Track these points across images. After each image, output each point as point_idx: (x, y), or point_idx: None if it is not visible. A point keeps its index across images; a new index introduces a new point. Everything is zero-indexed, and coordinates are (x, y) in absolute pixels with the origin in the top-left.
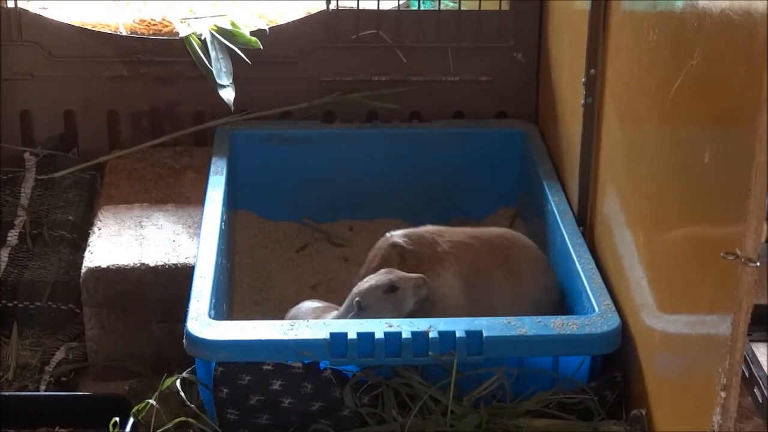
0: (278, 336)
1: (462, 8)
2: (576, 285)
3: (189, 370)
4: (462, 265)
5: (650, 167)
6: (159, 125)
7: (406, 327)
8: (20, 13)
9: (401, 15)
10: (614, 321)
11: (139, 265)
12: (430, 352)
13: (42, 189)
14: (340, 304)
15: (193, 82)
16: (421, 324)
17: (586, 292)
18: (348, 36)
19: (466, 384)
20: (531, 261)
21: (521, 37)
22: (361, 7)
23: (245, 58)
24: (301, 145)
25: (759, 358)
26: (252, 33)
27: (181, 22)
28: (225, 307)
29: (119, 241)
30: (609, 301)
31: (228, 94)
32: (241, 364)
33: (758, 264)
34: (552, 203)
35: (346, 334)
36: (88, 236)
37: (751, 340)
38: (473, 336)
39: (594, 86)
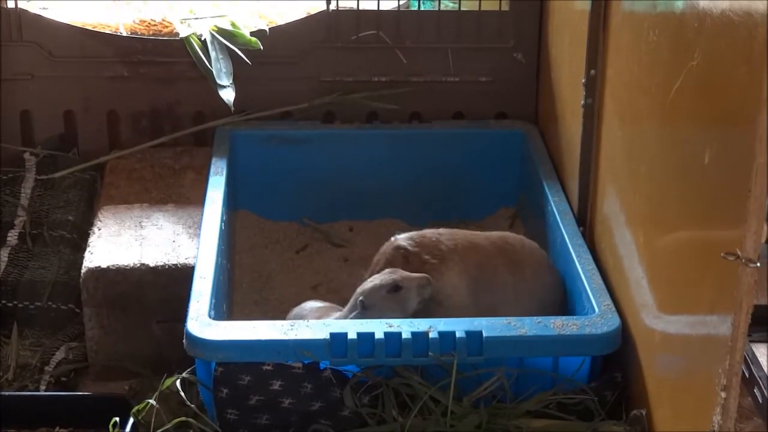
0: (278, 336)
1: (462, 9)
2: (576, 285)
3: (189, 370)
4: (466, 265)
5: (650, 168)
6: (159, 125)
7: (406, 327)
8: (20, 13)
9: (401, 15)
10: (614, 321)
11: (139, 265)
12: (430, 353)
13: (42, 189)
14: (341, 305)
15: (193, 83)
16: (421, 324)
17: (586, 292)
18: (348, 36)
19: (466, 384)
20: (534, 261)
21: (521, 38)
22: (361, 8)
23: (245, 58)
24: (301, 145)
25: (759, 359)
26: (252, 33)
27: (181, 22)
28: (225, 307)
29: (119, 242)
30: (609, 301)
31: (228, 95)
32: (241, 365)
33: (758, 264)
34: (552, 203)
35: (346, 334)
36: (88, 236)
37: (751, 341)
38: (473, 336)
39: (594, 87)
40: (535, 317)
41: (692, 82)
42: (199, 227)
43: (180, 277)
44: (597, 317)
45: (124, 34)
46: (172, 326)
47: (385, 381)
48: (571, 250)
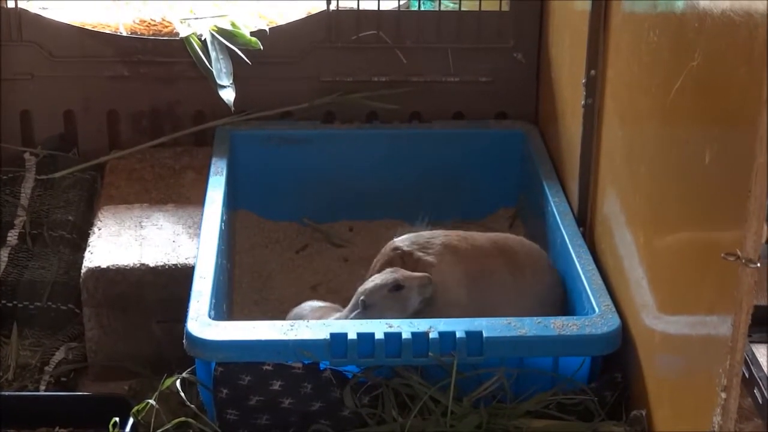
0: (278, 336)
1: (462, 9)
2: (576, 285)
3: (189, 370)
4: (462, 263)
5: (650, 168)
6: (159, 125)
7: (406, 327)
8: (20, 13)
9: (401, 15)
10: (614, 322)
11: (139, 265)
12: (430, 353)
13: (42, 189)
14: (341, 305)
15: (193, 83)
16: (421, 324)
17: (587, 292)
18: (348, 36)
19: (466, 384)
20: (534, 261)
21: (521, 38)
22: (361, 8)
23: (245, 58)
24: (301, 145)
25: (759, 359)
26: (252, 33)
27: (181, 22)
28: (225, 307)
29: (119, 242)
30: (609, 301)
31: (228, 95)
32: (241, 365)
33: (758, 265)
34: (552, 204)
35: (346, 334)
36: (88, 236)
37: (751, 341)
38: (473, 336)
39: (594, 87)
40: (535, 317)
41: (692, 82)
42: (199, 227)
43: (180, 277)
44: (597, 317)
45: (124, 33)
46: (172, 326)
47: (385, 381)
48: (571, 250)
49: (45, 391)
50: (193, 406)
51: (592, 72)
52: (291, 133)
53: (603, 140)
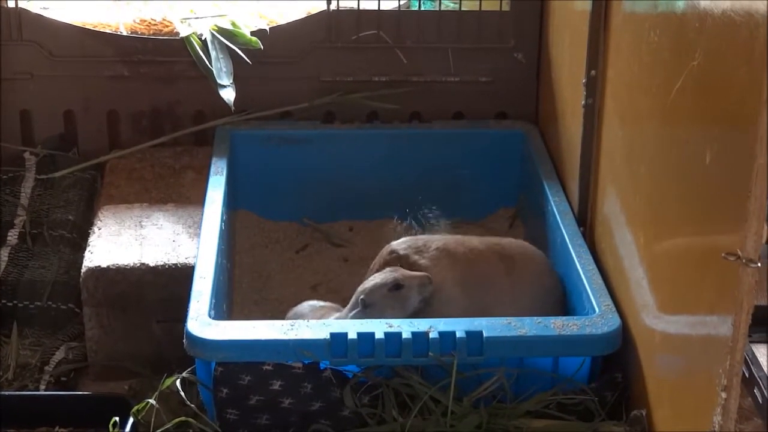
0: (278, 336)
1: (462, 9)
2: (576, 285)
3: (189, 370)
4: (456, 264)
5: (651, 168)
6: (159, 125)
7: (406, 327)
8: (20, 13)
9: (402, 15)
10: (614, 322)
11: (139, 265)
12: (430, 353)
13: (42, 189)
14: (341, 305)
15: (193, 82)
16: (421, 324)
17: (587, 292)
18: (348, 36)
19: (466, 384)
20: (531, 262)
21: (522, 38)
22: (361, 8)
23: (245, 58)
24: (301, 145)
25: (759, 359)
26: (252, 33)
27: (182, 22)
28: (225, 307)
29: (119, 241)
30: (609, 301)
31: (228, 94)
32: (241, 364)
33: (759, 265)
34: (552, 204)
35: (346, 334)
36: (88, 236)
37: (751, 341)
38: (473, 336)
39: (594, 87)
40: (536, 317)
41: (693, 82)
42: (199, 227)
43: (180, 276)
44: (597, 317)
45: (125, 33)
46: (172, 326)
47: (385, 381)
48: (572, 250)
49: (45, 390)
50: (193, 405)
51: (593, 72)
52: (291, 133)
53: (603, 140)
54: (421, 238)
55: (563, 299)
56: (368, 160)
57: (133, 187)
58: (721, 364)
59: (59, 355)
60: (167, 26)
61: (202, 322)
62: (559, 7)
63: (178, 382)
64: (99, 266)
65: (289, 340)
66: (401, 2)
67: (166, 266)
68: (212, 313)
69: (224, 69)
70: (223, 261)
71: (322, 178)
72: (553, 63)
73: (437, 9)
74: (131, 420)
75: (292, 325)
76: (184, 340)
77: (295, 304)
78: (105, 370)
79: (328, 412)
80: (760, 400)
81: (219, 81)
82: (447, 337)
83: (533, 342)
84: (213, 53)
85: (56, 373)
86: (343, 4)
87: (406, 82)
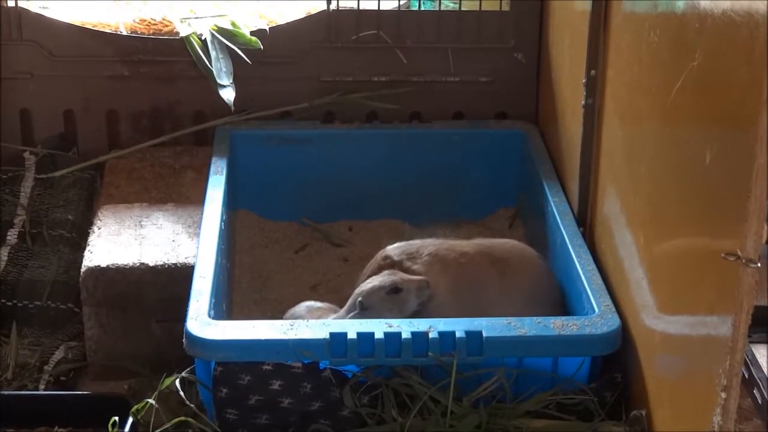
0: (278, 336)
1: (462, 9)
2: (576, 286)
3: (188, 369)
4: (452, 276)
5: (651, 168)
6: (159, 125)
7: (406, 327)
8: (20, 13)
9: (401, 15)
10: (614, 322)
11: (138, 264)
12: (429, 353)
13: (41, 188)
14: (340, 305)
15: (193, 82)
16: (421, 324)
17: (586, 292)
18: (348, 36)
19: (466, 384)
20: (525, 263)
21: (521, 38)
22: (361, 8)
23: (245, 58)
24: (301, 145)
25: (759, 360)
26: (252, 33)
27: (182, 21)
28: (224, 307)
29: (119, 241)
30: (609, 301)
31: (228, 94)
32: (240, 364)
33: (759, 265)
34: (552, 204)
35: (345, 334)
36: (88, 236)
37: (751, 342)
38: (473, 336)
39: (594, 87)
40: (535, 317)
41: (693, 82)
42: (199, 227)
43: (180, 276)
44: (597, 317)
45: (124, 33)
46: (171, 326)
47: (385, 381)
48: (571, 250)
49: (44, 390)
50: (192, 405)
51: (593, 72)
52: (291, 133)
53: (603, 140)
54: (414, 244)
55: (561, 299)
56: (368, 160)
57: (132, 187)
58: (721, 365)
59: (59, 354)
60: (167, 26)
61: (201, 321)
62: (559, 7)
63: (177, 382)
64: (98, 266)
65: (289, 340)
66: (401, 2)
67: (166, 266)
68: (212, 312)
69: (224, 69)
70: (223, 261)
71: (322, 178)
72: (553, 63)
73: (437, 9)
74: (130, 420)
75: (291, 325)
76: (183, 340)
77: (295, 304)
78: (104, 369)
79: (328, 412)
80: (760, 401)
81: (219, 81)
82: (447, 337)
83: (533, 342)
84: (213, 53)
85: (55, 373)
86: (343, 4)
87: (406, 82)
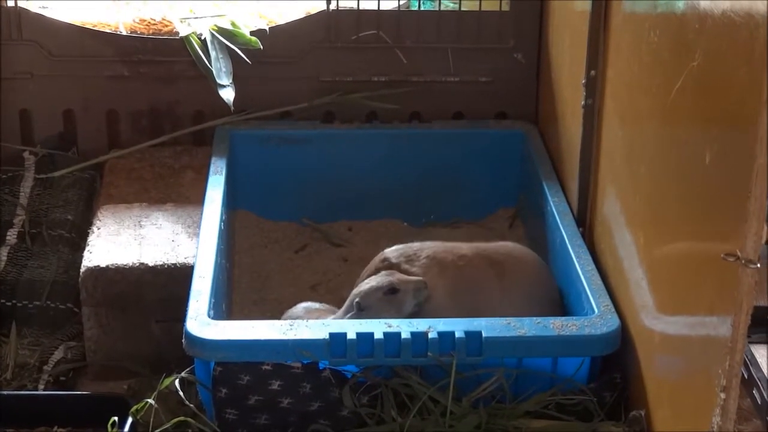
0: (277, 336)
1: (462, 9)
2: (575, 286)
3: (188, 369)
4: (450, 278)
5: (650, 168)
6: (159, 125)
7: (405, 327)
8: (20, 13)
9: (401, 15)
10: (614, 322)
11: (138, 264)
12: (429, 353)
13: (41, 188)
14: (339, 305)
15: (193, 82)
16: (420, 324)
17: (586, 293)
18: (348, 36)
19: (466, 385)
20: (524, 268)
21: (521, 38)
22: (361, 8)
23: (245, 58)
24: (300, 145)
25: (758, 360)
26: (252, 33)
27: (181, 21)
28: (224, 307)
29: (118, 241)
30: (608, 302)
31: (228, 94)
32: (240, 364)
33: (758, 265)
34: (552, 204)
35: (345, 334)
36: (87, 236)
37: (751, 342)
38: (472, 337)
39: (594, 87)
40: (535, 318)
41: (693, 82)
42: (199, 227)
43: (179, 276)
44: (596, 318)
45: (124, 33)
46: (171, 326)
47: (384, 381)
48: (571, 250)
49: (44, 390)
50: (192, 405)
51: (592, 72)
52: (291, 133)
53: (603, 140)
54: (413, 246)
55: (560, 300)
56: (368, 160)
57: (132, 187)
58: (721, 365)
59: (58, 354)
60: (167, 26)
61: (201, 321)
62: (559, 7)
63: (177, 382)
64: (98, 266)
65: (289, 340)
66: (401, 2)
67: (166, 266)
68: (211, 312)
69: (224, 69)
70: (223, 261)
71: (322, 178)
72: (553, 63)
73: (437, 9)
74: (130, 420)
75: (291, 325)
76: (183, 340)
77: (294, 305)
78: (104, 369)
79: (327, 412)
80: (759, 402)
81: (218, 81)
82: (446, 337)
83: (532, 342)
84: (213, 53)
85: (55, 373)
86: (343, 4)
87: (405, 82)
